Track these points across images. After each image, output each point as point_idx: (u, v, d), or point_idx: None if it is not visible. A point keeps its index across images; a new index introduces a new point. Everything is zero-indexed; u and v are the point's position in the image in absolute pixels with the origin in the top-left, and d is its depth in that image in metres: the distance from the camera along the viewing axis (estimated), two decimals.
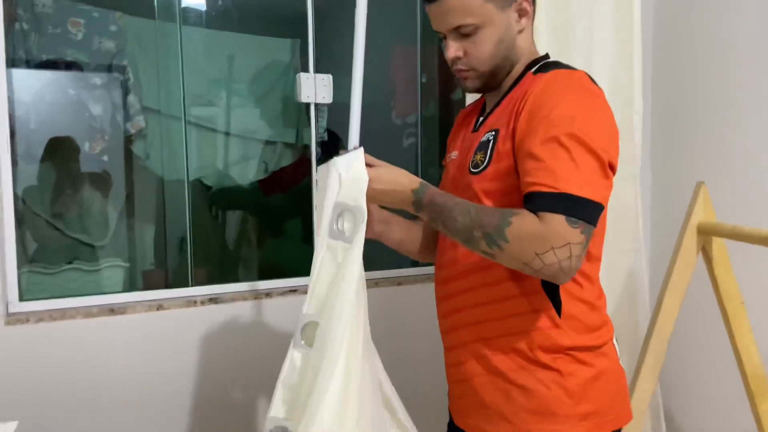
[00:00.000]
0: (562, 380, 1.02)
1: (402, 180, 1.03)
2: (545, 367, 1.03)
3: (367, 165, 1.03)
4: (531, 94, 0.99)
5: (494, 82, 1.10)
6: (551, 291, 1.02)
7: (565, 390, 1.02)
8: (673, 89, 2.02)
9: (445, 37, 1.08)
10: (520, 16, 1.07)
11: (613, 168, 0.96)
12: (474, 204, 0.98)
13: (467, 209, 0.96)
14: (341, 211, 1.01)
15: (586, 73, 1.02)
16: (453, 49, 1.07)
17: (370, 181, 1.01)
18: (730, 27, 1.80)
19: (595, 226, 0.91)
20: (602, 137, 0.94)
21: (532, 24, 1.11)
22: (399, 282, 2.03)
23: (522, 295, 1.03)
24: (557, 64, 1.08)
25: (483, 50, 1.05)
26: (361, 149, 1.04)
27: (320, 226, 1.03)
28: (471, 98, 1.91)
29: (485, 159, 1.04)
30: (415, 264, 2.10)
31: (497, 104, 1.10)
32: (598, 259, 1.09)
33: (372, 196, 1.02)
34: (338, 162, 1.02)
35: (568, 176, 0.90)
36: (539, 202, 0.90)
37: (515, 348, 1.04)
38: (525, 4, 1.06)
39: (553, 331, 1.02)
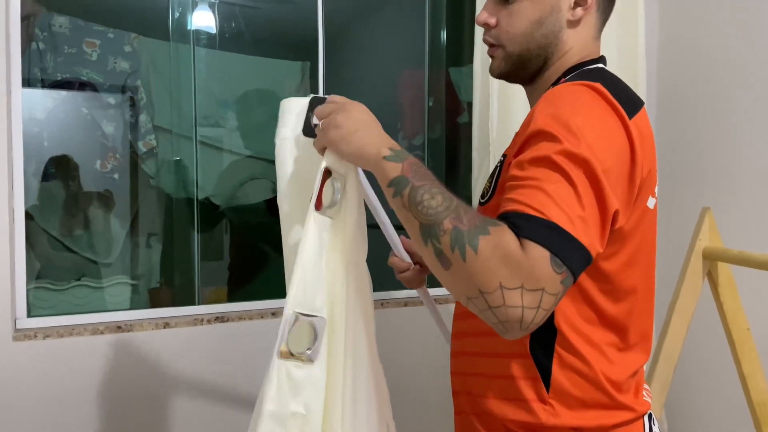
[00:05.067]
0: None
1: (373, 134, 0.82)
2: None
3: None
4: (532, 113, 0.78)
5: (523, 73, 0.91)
6: (538, 356, 0.82)
7: None
8: (677, 115, 2.04)
9: None
10: (576, 4, 0.86)
11: (616, 219, 0.72)
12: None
13: (450, 195, 0.72)
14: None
15: (603, 85, 0.77)
16: (485, 14, 0.89)
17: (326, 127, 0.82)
18: (735, 51, 1.83)
19: (574, 281, 0.68)
20: (613, 165, 0.72)
21: (597, 25, 0.90)
22: (405, 303, 2.02)
23: (509, 355, 0.84)
24: (588, 73, 0.84)
25: (515, 24, 0.86)
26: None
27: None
28: (478, 120, 1.93)
29: (490, 188, 0.86)
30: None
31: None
32: (612, 326, 0.83)
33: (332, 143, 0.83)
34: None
35: (561, 203, 0.66)
36: (523, 225, 0.66)
37: (493, 414, 0.87)
38: None
39: (537, 405, 0.82)
